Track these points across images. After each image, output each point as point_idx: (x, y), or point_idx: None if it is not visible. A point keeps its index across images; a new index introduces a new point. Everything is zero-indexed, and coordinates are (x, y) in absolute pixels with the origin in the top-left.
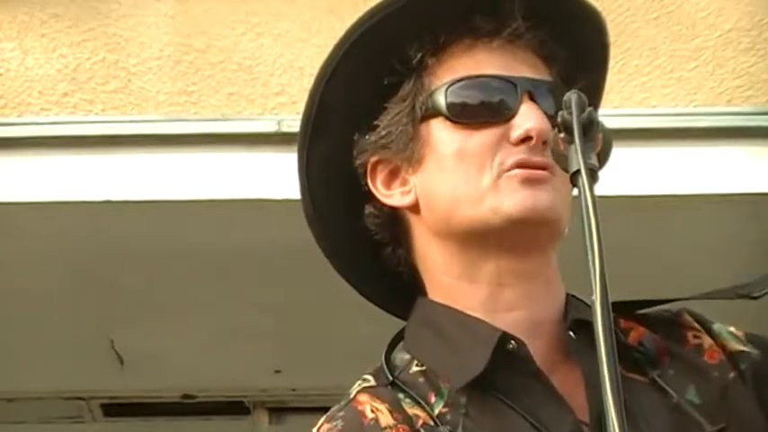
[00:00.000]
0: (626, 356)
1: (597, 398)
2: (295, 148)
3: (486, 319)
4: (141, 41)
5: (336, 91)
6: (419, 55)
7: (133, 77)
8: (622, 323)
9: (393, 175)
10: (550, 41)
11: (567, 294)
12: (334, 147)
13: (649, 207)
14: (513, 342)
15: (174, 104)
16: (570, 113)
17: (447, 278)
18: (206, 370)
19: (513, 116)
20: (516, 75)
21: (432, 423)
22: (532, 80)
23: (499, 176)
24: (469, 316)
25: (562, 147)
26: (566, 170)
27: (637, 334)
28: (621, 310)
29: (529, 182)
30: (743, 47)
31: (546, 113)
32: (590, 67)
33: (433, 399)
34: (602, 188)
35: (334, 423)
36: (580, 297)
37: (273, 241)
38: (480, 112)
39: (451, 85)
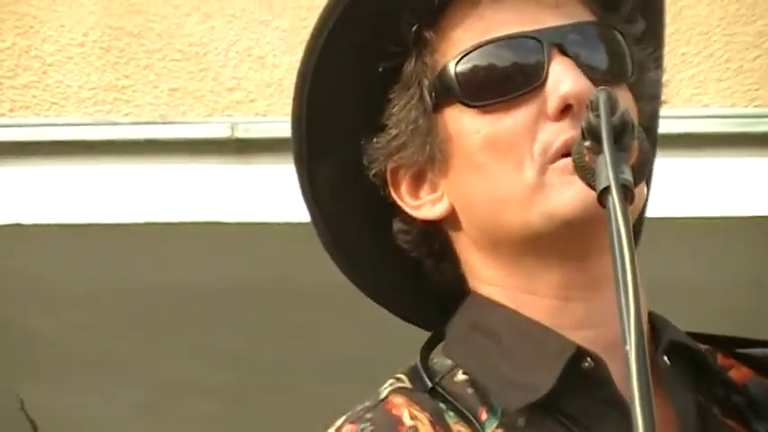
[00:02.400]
0: (722, 395)
1: None
2: (253, 157)
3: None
4: (60, 24)
5: (327, 90)
6: (414, 28)
7: (49, 69)
8: (720, 358)
9: (418, 179)
10: None
11: (651, 311)
12: (340, 160)
13: (699, 231)
14: (589, 359)
15: (100, 103)
16: (597, 116)
17: (504, 291)
18: None
19: (545, 81)
20: (538, 27)
21: None
22: (560, 28)
23: (543, 170)
24: (536, 323)
25: (588, 158)
26: (592, 187)
27: (739, 374)
28: (717, 344)
29: (582, 170)
30: None
31: (589, 66)
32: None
33: (484, 416)
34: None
35: (362, 426)
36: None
37: (226, 276)
38: (502, 86)
39: (459, 60)
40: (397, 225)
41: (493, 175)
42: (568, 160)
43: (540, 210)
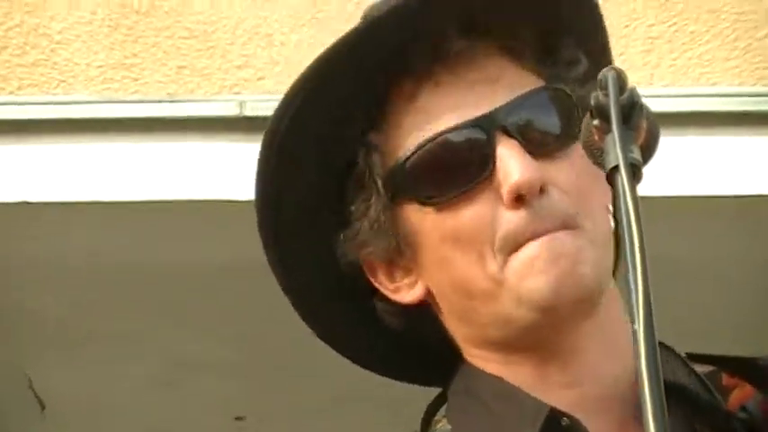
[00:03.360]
0: (723, 424)
1: None
2: (262, 135)
3: (537, 395)
4: (68, 2)
5: (289, 183)
6: (359, 130)
7: (57, 47)
8: (724, 379)
9: (392, 265)
10: (509, 24)
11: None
12: (310, 251)
13: (708, 210)
14: (565, 418)
15: (108, 81)
16: (606, 95)
17: (487, 363)
18: (147, 418)
19: (494, 169)
20: (477, 112)
21: None
22: (500, 109)
23: (506, 261)
24: (516, 389)
25: (597, 137)
26: (600, 166)
27: (741, 394)
28: (722, 364)
29: (542, 257)
30: None
31: (538, 139)
32: (577, 19)
33: None
34: (646, 188)
35: None
36: (665, 343)
37: (236, 254)
38: (453, 181)
39: (406, 160)
40: (381, 306)
41: (459, 269)
42: (531, 247)
43: (508, 299)
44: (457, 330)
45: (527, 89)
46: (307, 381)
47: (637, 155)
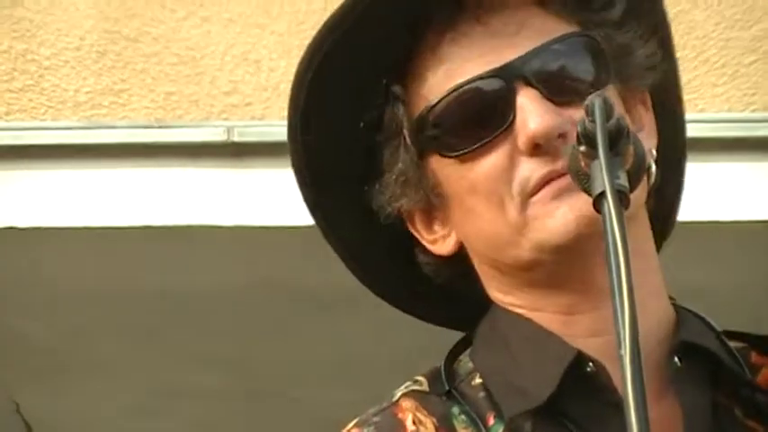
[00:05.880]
0: (747, 397)
1: None
2: (249, 161)
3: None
4: (57, 27)
5: (322, 138)
6: (384, 82)
7: (46, 73)
8: (753, 357)
9: (429, 215)
10: None
11: (681, 309)
12: (351, 204)
13: (695, 236)
14: (591, 365)
15: (96, 107)
16: (593, 121)
17: (517, 308)
18: None
19: (513, 120)
20: (498, 63)
21: None
22: (521, 59)
23: (525, 206)
24: (543, 330)
25: (583, 163)
26: (588, 192)
27: None
28: (753, 342)
29: (558, 197)
30: None
31: (558, 89)
32: None
33: (491, 421)
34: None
35: (366, 430)
36: (699, 313)
37: (223, 280)
38: (474, 133)
39: (428, 112)
40: (420, 257)
41: (482, 217)
42: (547, 190)
43: (529, 244)
44: (487, 280)
45: (553, 36)
46: (290, 407)
47: (623, 181)
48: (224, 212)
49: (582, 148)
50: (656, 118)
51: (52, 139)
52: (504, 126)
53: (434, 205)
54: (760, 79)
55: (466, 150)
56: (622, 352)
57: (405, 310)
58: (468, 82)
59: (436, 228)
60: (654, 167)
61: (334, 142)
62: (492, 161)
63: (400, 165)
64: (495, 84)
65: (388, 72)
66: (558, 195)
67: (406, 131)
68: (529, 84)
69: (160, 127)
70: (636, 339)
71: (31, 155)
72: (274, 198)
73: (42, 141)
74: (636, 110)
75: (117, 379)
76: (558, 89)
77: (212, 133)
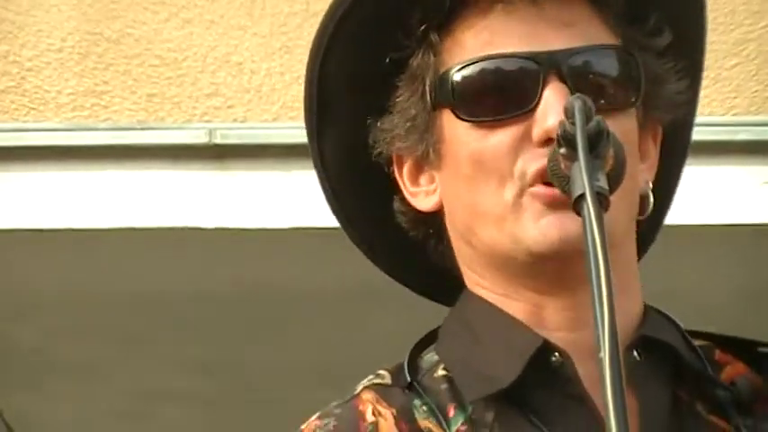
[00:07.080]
0: (709, 393)
1: (650, 431)
2: (231, 163)
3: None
4: (38, 29)
5: (338, 68)
6: (422, 27)
7: (28, 74)
8: (717, 355)
9: (419, 167)
10: None
11: (648, 308)
12: (347, 133)
13: (676, 239)
14: (557, 355)
15: (78, 108)
16: (573, 123)
17: (485, 291)
18: None
19: (536, 107)
20: (541, 48)
21: None
22: (563, 52)
23: (521, 192)
24: (511, 318)
25: (563, 165)
26: (567, 194)
27: (732, 370)
28: (717, 341)
29: (553, 205)
30: None
31: (596, 90)
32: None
33: (452, 412)
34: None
35: (326, 421)
36: (665, 312)
37: (205, 282)
38: (494, 106)
39: (459, 69)
40: (397, 205)
41: (477, 189)
42: (543, 189)
43: (509, 232)
44: (461, 252)
45: (600, 41)
46: (275, 410)
47: (603, 183)
48: (206, 214)
49: (562, 150)
50: (661, 152)
51: (34, 140)
52: (525, 110)
53: (429, 160)
54: (742, 83)
55: (482, 120)
56: (602, 354)
57: (378, 264)
58: (505, 56)
59: (422, 182)
60: (651, 200)
61: (350, 74)
62: (502, 138)
63: (412, 110)
64: (530, 66)
65: (429, 18)
66: (551, 205)
67: (428, 80)
68: (562, 78)
69: (142, 129)
70: (615, 341)
71: (13, 157)
72: (256, 200)
73: (24, 143)
74: (647, 139)
75: (100, 382)
76: (587, 93)
77: (194, 135)
